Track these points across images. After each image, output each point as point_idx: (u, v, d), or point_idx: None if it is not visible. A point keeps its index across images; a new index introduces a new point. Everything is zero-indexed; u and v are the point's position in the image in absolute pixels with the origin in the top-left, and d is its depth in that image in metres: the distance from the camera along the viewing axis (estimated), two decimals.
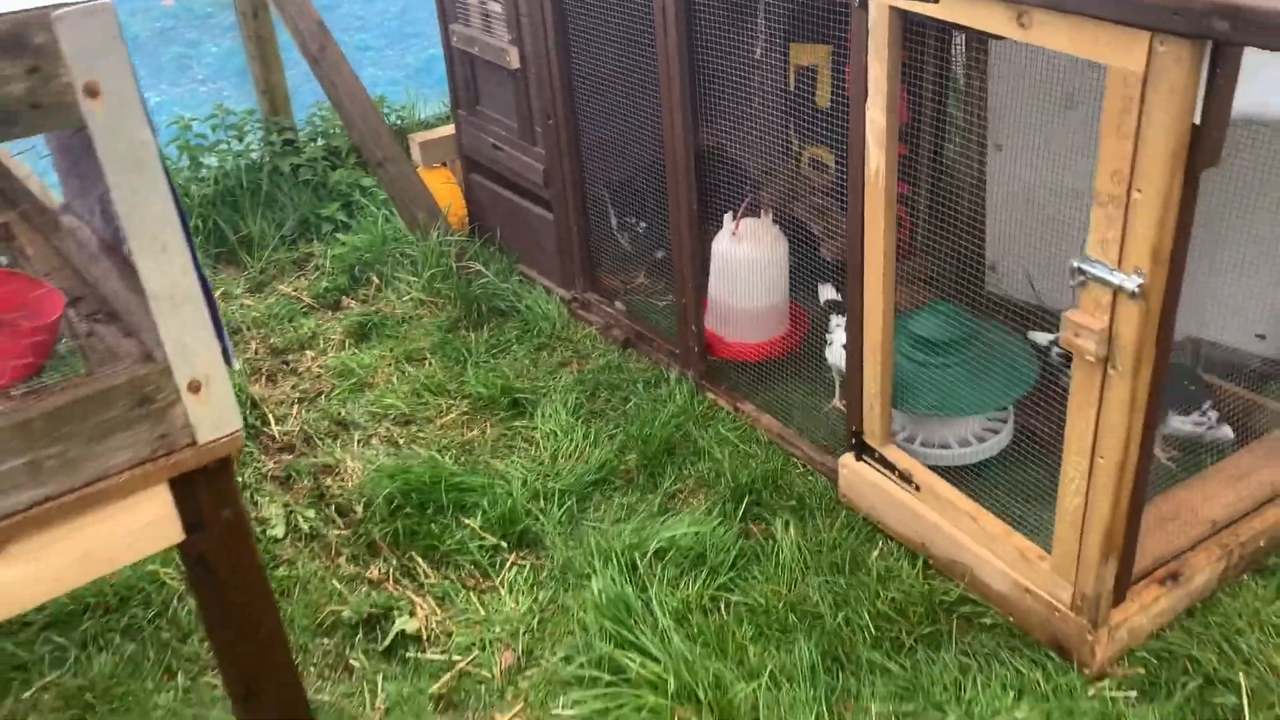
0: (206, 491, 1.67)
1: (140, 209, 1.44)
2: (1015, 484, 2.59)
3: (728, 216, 3.26)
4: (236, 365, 1.90)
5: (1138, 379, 1.94)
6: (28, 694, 2.43)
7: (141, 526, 1.62)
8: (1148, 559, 2.35)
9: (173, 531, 1.67)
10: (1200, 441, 2.76)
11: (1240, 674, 2.21)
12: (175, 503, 1.65)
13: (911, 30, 2.22)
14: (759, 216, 3.27)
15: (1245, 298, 2.93)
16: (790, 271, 3.31)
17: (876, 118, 2.26)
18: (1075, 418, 2.07)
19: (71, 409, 1.49)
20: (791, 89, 3.53)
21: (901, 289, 2.66)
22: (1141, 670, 2.25)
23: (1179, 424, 2.76)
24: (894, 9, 2.14)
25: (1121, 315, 1.90)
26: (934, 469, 2.61)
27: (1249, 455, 2.66)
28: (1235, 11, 1.54)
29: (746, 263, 3.23)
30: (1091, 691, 2.21)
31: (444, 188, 4.14)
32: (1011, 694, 2.23)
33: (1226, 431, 2.72)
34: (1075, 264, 1.94)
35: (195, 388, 1.57)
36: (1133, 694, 2.20)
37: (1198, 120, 1.71)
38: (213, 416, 1.61)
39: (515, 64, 3.47)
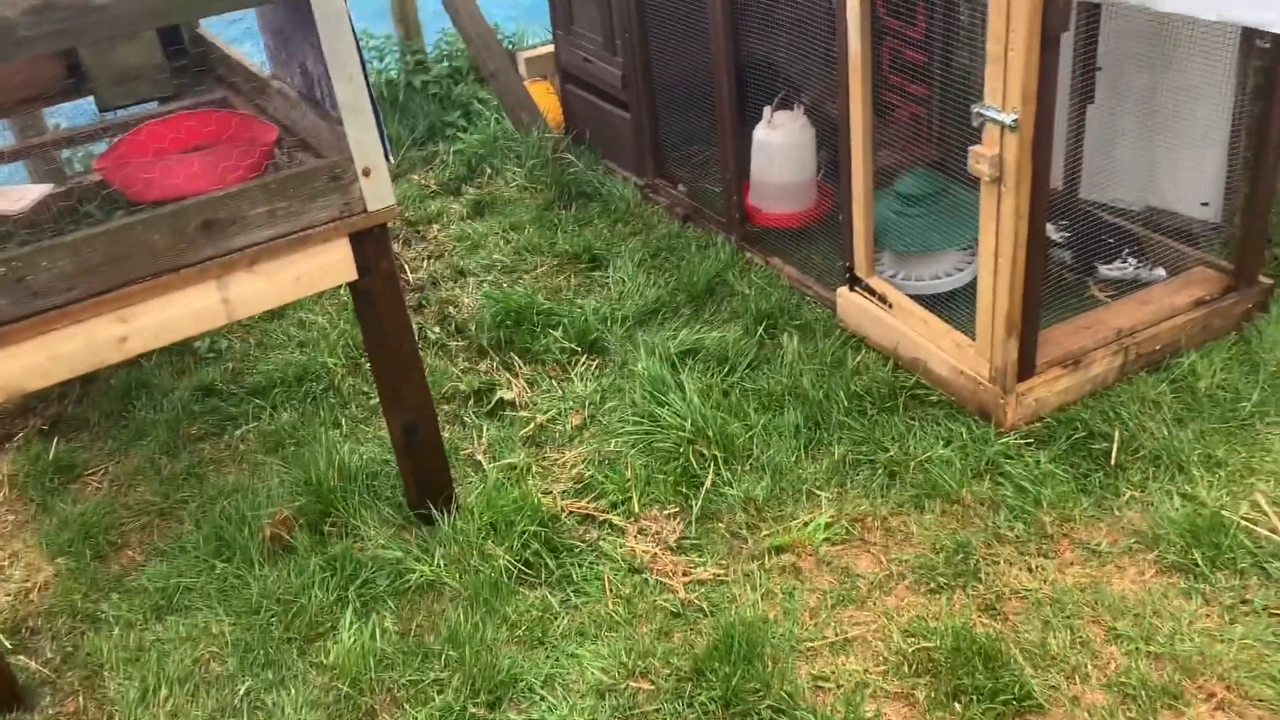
0: (372, 246, 2.58)
1: (337, 51, 2.33)
2: (974, 309, 3.32)
3: (767, 109, 4.03)
4: (393, 161, 2.57)
5: (1020, 193, 2.68)
6: (238, 432, 3.43)
7: (331, 264, 2.54)
8: (1059, 352, 3.09)
9: (349, 272, 2.58)
10: (1136, 283, 3.44)
11: (1116, 430, 2.94)
12: (352, 252, 2.56)
13: None
14: (792, 109, 4.03)
15: (1192, 173, 3.57)
16: (825, 159, 4.07)
17: (853, 10, 3.02)
18: (983, 230, 2.83)
19: (295, 179, 2.41)
20: (832, 7, 4.24)
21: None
22: (1041, 426, 3.00)
23: (1106, 270, 3.47)
24: None
25: (1006, 144, 2.64)
26: (914, 297, 3.36)
27: (1162, 287, 3.34)
28: None
29: (779, 146, 4.01)
30: (999, 441, 2.97)
31: (545, 97, 5.01)
32: (940, 442, 3.01)
33: (1160, 273, 3.41)
34: (976, 109, 2.68)
35: (366, 172, 2.47)
36: (1029, 441, 2.95)
37: None
38: (377, 193, 2.51)
39: None
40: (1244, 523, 2.63)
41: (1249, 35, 3.16)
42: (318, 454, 3.18)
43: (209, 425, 3.48)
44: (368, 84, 2.41)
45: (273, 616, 2.72)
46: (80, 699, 2.60)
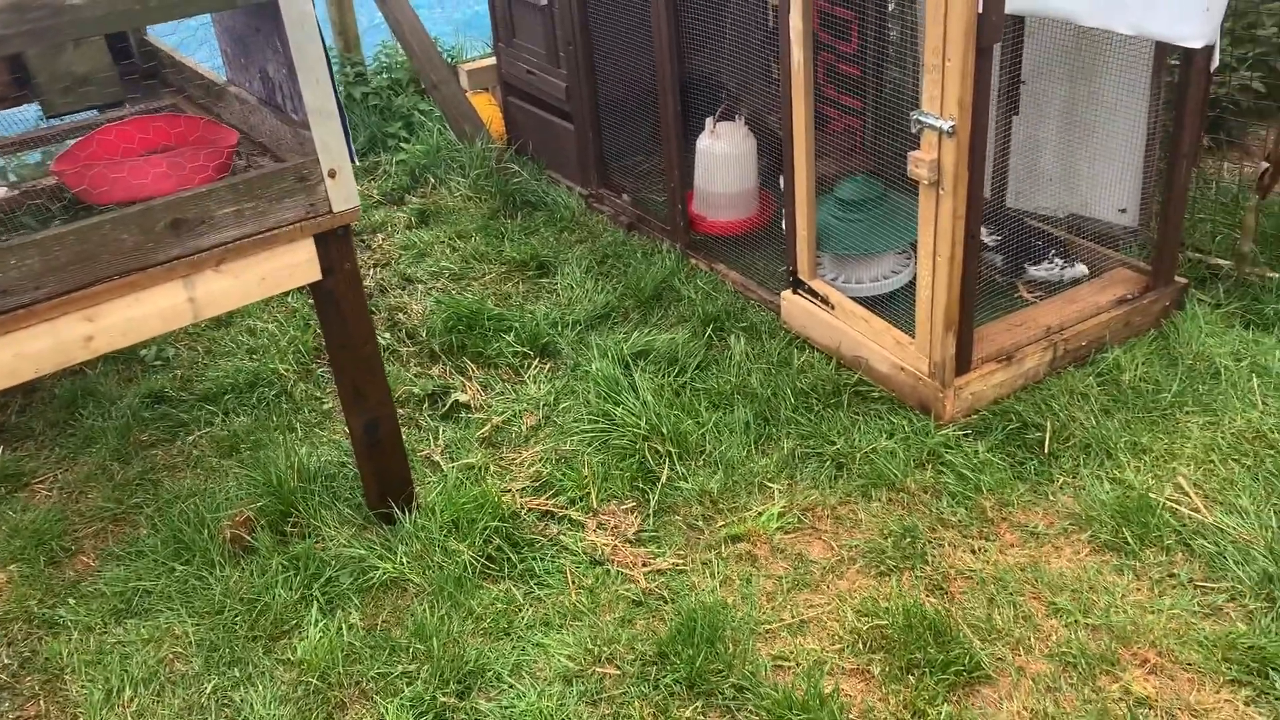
0: (336, 247, 2.62)
1: (305, 54, 2.38)
2: (912, 310, 3.47)
3: (709, 120, 4.16)
4: (356, 163, 2.59)
5: (957, 196, 2.84)
6: (191, 438, 3.42)
7: (296, 264, 2.58)
8: (993, 349, 3.25)
9: (314, 272, 2.62)
10: (1061, 283, 3.63)
11: (1048, 421, 3.11)
12: (317, 252, 2.60)
13: None
14: (733, 120, 4.16)
15: (1111, 181, 3.78)
16: (764, 168, 4.21)
17: (795, 23, 3.16)
18: (922, 231, 2.97)
19: (263, 179, 2.45)
20: (770, 25, 4.40)
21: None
22: (978, 418, 3.15)
23: (1035, 271, 3.65)
24: None
25: (944, 150, 2.80)
26: (854, 299, 3.50)
27: (1087, 287, 3.54)
28: None
29: (721, 156, 4.14)
30: (939, 432, 3.11)
31: (486, 109, 5.08)
32: (884, 435, 3.14)
33: (1081, 269, 3.61)
34: (915, 116, 2.83)
35: (332, 174, 2.52)
36: (967, 432, 3.10)
37: (980, 10, 2.59)
38: (342, 194, 2.56)
39: (543, 0, 4.39)
40: (1169, 503, 2.81)
41: (1161, 51, 3.38)
42: (275, 456, 3.19)
43: (160, 432, 3.46)
44: (334, 87, 2.46)
45: (237, 616, 2.73)
46: (42, 702, 2.58)
